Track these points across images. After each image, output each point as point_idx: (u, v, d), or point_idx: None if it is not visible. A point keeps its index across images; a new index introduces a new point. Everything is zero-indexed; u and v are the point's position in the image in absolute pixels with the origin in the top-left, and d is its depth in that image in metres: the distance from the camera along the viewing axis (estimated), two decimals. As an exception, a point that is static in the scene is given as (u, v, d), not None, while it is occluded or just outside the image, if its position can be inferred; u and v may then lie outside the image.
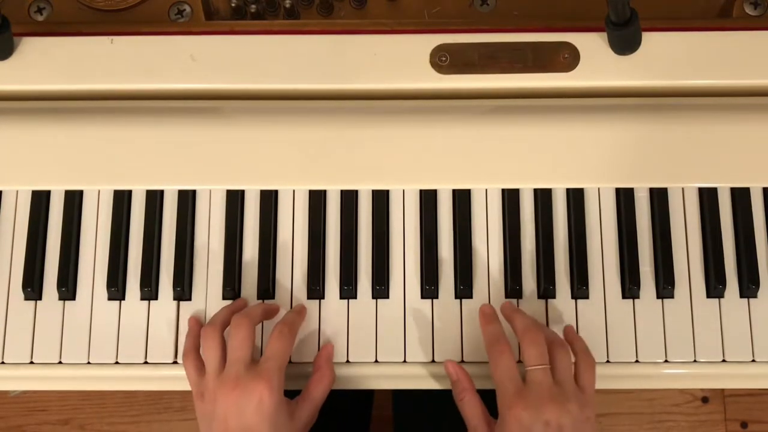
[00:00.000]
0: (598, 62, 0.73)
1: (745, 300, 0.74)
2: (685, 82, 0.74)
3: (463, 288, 0.74)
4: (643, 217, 0.75)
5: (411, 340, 0.73)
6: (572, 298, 0.74)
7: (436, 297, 0.74)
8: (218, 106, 0.75)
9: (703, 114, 0.74)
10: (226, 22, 0.78)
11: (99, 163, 0.74)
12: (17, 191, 0.77)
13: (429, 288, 0.73)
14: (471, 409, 0.68)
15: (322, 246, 0.75)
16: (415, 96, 0.75)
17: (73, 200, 0.76)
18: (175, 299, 0.75)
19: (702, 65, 0.73)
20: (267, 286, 0.74)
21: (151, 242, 0.75)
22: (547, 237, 0.74)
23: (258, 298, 0.75)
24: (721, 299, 0.74)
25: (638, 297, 0.74)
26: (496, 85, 0.74)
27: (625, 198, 0.75)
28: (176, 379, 0.73)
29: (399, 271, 0.75)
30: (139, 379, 0.74)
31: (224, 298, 0.75)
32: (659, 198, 0.75)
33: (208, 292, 0.75)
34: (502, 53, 0.74)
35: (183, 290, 0.74)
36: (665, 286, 0.73)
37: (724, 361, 0.72)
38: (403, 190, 0.76)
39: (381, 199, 0.76)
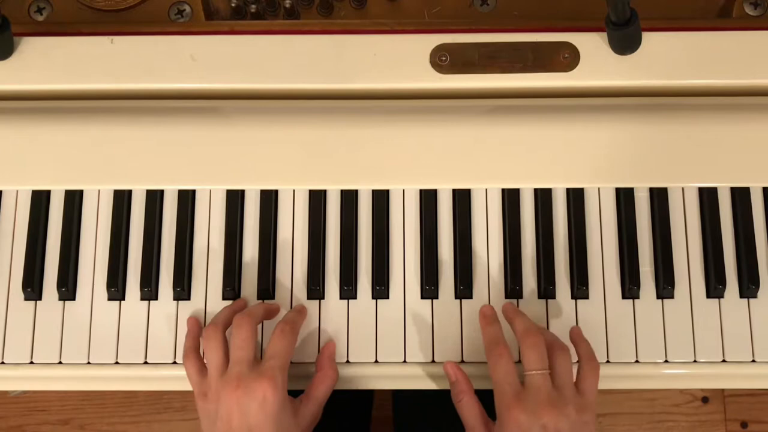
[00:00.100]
0: (598, 62, 0.73)
1: (745, 300, 0.74)
2: (684, 82, 0.74)
3: (463, 288, 0.73)
4: (643, 217, 0.75)
5: (411, 341, 0.73)
6: (572, 298, 0.74)
7: (436, 297, 0.74)
8: (218, 106, 0.75)
9: (703, 114, 0.74)
10: (226, 22, 0.78)
11: (99, 163, 0.74)
12: (17, 191, 0.77)
13: (429, 288, 0.73)
14: (469, 410, 0.68)
15: (322, 246, 0.75)
16: (415, 96, 0.75)
17: (73, 200, 0.76)
18: (175, 299, 0.75)
19: (702, 65, 0.73)
20: (267, 286, 0.74)
21: (151, 242, 0.75)
22: (547, 237, 0.74)
23: (258, 298, 0.75)
24: (721, 299, 0.73)
25: (638, 297, 0.74)
26: (496, 85, 0.74)
27: (625, 198, 0.75)
28: (176, 379, 0.73)
29: (399, 271, 0.75)
30: (139, 379, 0.74)
31: (224, 298, 0.75)
32: (659, 198, 0.75)
33: (208, 292, 0.75)
34: (502, 53, 0.74)
35: (183, 290, 0.74)
36: (665, 286, 0.73)
37: (724, 361, 0.72)
38: (403, 190, 0.76)
39: (381, 199, 0.76)
